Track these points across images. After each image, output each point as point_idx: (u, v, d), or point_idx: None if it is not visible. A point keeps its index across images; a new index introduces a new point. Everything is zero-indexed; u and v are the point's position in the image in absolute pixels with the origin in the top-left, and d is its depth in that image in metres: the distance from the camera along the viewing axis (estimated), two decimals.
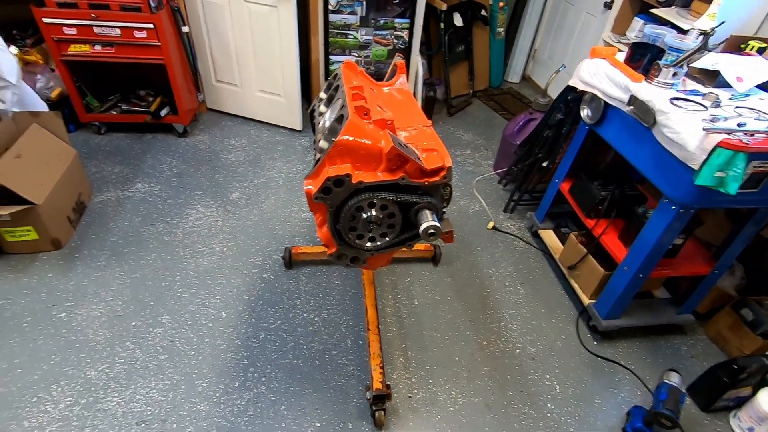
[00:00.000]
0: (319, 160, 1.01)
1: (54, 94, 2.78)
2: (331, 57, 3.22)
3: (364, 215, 1.04)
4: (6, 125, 2.06)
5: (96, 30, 2.49)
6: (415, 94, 3.49)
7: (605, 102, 1.76)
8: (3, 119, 2.06)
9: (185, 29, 2.79)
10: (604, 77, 1.73)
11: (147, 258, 2.11)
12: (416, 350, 1.85)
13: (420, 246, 2.19)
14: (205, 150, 2.94)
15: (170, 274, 2.04)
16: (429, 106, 3.39)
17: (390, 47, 3.27)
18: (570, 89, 1.95)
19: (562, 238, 2.28)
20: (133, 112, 2.89)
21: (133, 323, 1.82)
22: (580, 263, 2.03)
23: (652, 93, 1.53)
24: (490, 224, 2.53)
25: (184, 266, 2.09)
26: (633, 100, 1.59)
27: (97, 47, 2.57)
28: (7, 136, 2.03)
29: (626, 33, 2.84)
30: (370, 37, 3.19)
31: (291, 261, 2.11)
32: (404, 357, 1.82)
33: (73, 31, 2.48)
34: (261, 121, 3.28)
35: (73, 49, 2.56)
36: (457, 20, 3.52)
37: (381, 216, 1.05)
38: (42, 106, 2.21)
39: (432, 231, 1.00)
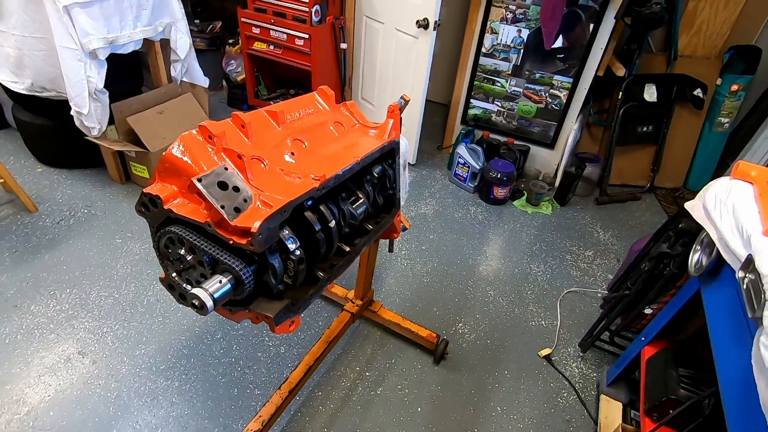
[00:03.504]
0: None
1: (239, 78, 3.42)
2: (472, 101, 2.98)
3: (175, 250, 0.87)
4: (172, 87, 2.62)
5: (272, 33, 2.94)
6: (558, 167, 2.92)
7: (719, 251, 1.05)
8: (172, 83, 2.64)
9: (343, 46, 3.03)
10: (729, 212, 1.03)
11: None
12: None
13: (422, 330, 1.78)
14: None
15: None
16: (566, 184, 2.76)
17: (541, 105, 2.81)
18: (684, 215, 1.24)
19: (628, 424, 1.50)
20: None
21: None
22: None
23: None
24: (545, 351, 1.87)
25: None
26: (748, 265, 0.89)
27: (271, 47, 3.04)
28: (167, 96, 2.58)
29: None
30: (520, 89, 2.81)
31: None
32: None
33: (258, 30, 2.99)
34: None
35: (256, 46, 3.09)
36: (650, 95, 2.76)
37: (189, 259, 0.86)
38: (203, 82, 2.73)
39: (194, 302, 0.76)
